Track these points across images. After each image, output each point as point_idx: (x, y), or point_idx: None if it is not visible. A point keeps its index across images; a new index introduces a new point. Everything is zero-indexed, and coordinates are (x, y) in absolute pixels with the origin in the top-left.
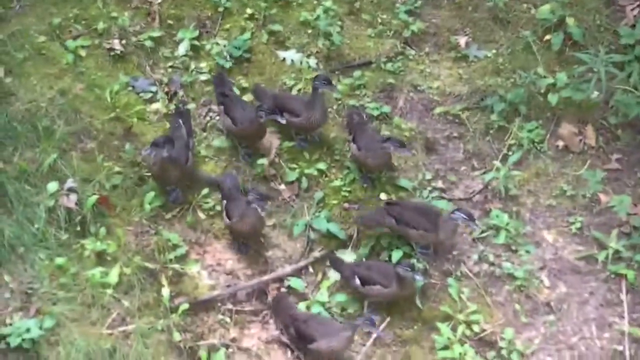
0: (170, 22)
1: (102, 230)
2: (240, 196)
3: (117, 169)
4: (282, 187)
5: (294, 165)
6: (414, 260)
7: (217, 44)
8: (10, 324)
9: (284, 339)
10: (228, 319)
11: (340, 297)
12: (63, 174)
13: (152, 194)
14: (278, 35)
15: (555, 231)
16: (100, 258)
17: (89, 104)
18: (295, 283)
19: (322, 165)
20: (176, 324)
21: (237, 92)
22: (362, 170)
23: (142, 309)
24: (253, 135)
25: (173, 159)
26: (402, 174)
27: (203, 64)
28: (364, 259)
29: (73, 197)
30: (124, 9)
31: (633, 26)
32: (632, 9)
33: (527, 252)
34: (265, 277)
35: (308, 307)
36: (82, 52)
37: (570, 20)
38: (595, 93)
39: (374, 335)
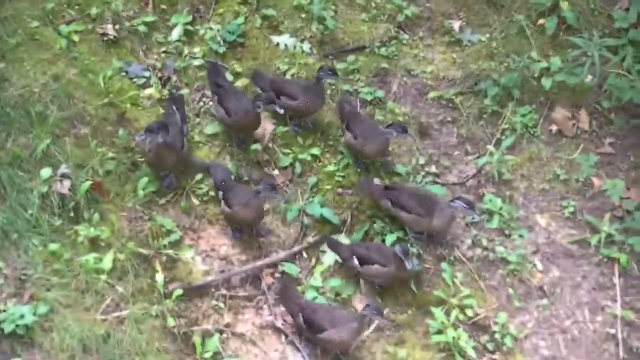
0: (163, 7)
1: (96, 216)
2: (237, 184)
3: (110, 154)
4: (276, 172)
5: (288, 151)
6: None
7: (211, 28)
8: (4, 310)
9: (278, 324)
10: (222, 305)
11: (334, 282)
12: (56, 160)
13: (145, 179)
14: (272, 19)
15: (548, 215)
16: (94, 244)
17: (82, 90)
18: (289, 268)
19: (315, 151)
20: (170, 309)
21: (231, 77)
22: (358, 156)
23: (136, 295)
24: (248, 126)
25: (169, 145)
26: (395, 159)
27: (196, 49)
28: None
29: (66, 183)
30: None
31: (627, 10)
32: None
33: (521, 236)
34: (259, 263)
35: (302, 292)
36: (76, 37)
37: (564, 4)
38: (589, 77)
39: (375, 323)
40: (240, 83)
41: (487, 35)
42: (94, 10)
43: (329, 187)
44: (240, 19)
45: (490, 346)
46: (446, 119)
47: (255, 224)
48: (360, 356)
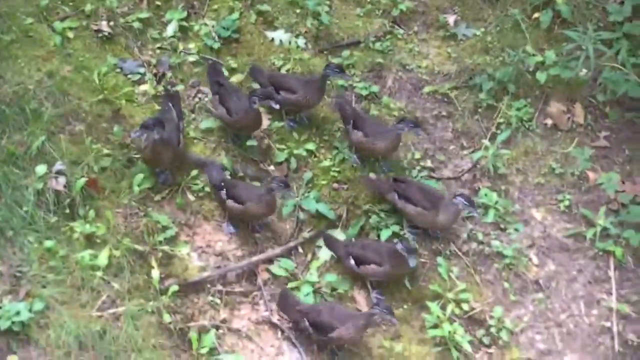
0: (158, 3)
1: (91, 212)
2: (238, 181)
3: (105, 151)
4: (271, 167)
5: (283, 146)
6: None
7: (206, 24)
8: (0, 307)
9: (274, 319)
10: (218, 300)
11: (330, 277)
12: (51, 157)
13: (141, 175)
14: (266, 15)
15: (543, 209)
16: (90, 240)
17: (77, 86)
18: (285, 264)
19: (311, 146)
20: (166, 305)
21: (226, 73)
22: (369, 155)
23: (131, 291)
24: (248, 125)
25: (165, 141)
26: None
27: (191, 45)
28: (352, 240)
29: (62, 179)
30: None
31: (621, 3)
32: None
33: (516, 230)
34: (255, 258)
35: (298, 288)
36: (70, 34)
37: None
38: (584, 71)
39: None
40: (235, 79)
41: (482, 29)
42: (88, 7)
43: (324, 182)
44: (235, 15)
45: (486, 340)
46: (441, 113)
47: (264, 218)
48: (356, 351)
